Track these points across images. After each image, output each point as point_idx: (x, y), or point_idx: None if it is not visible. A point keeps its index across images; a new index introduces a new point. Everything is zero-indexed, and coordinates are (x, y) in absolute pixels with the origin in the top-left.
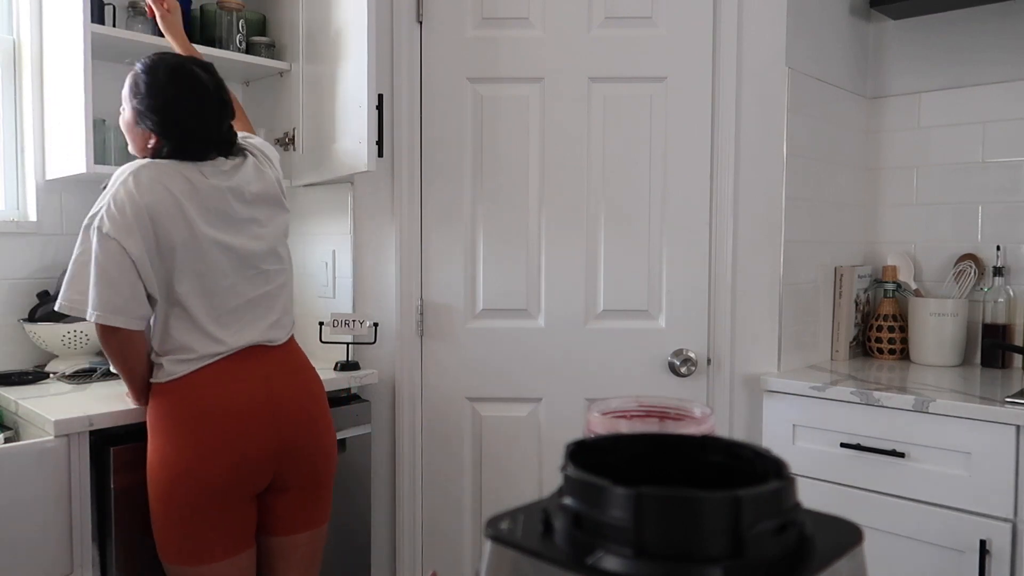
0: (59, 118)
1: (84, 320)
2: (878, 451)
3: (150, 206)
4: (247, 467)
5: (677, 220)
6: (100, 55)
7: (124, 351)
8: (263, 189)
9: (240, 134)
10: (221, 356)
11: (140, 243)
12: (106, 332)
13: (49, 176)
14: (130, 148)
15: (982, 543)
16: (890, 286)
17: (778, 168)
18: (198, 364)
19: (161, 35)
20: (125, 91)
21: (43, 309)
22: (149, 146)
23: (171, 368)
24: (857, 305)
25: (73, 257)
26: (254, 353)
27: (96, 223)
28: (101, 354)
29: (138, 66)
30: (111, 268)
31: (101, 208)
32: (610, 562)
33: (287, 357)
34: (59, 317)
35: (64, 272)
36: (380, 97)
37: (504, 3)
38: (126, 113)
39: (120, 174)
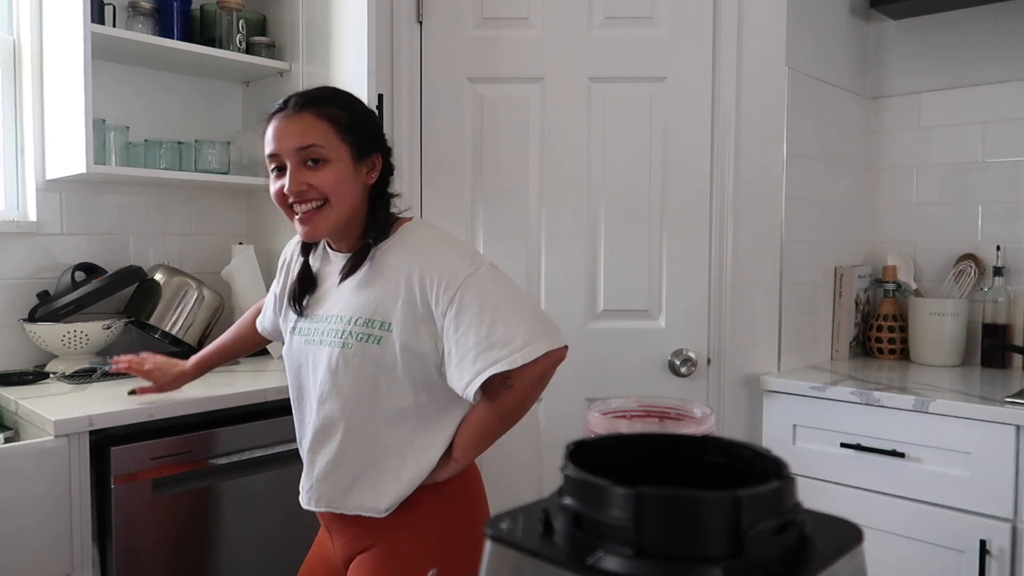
0: (59, 118)
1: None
2: (878, 451)
3: None
4: None
5: (677, 220)
6: (100, 55)
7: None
8: None
9: None
10: None
11: None
12: (555, 360)
13: (49, 176)
14: None
15: (982, 543)
16: (890, 286)
17: (778, 168)
18: None
19: (161, 35)
20: None
21: (43, 309)
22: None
23: None
24: (857, 305)
25: (480, 307)
26: None
27: (477, 266)
28: (101, 354)
29: None
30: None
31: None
32: (610, 562)
33: None
34: (59, 317)
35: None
36: (380, 97)
37: (504, 3)
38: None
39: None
